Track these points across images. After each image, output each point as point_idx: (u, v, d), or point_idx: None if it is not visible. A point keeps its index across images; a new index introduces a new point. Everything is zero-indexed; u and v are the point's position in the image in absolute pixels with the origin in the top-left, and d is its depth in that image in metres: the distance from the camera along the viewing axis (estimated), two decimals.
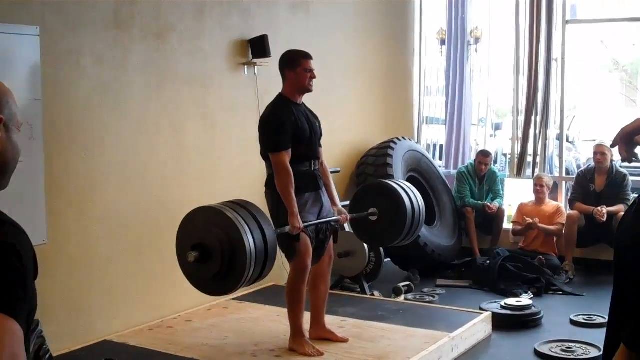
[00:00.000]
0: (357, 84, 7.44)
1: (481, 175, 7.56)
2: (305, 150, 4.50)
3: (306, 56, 4.53)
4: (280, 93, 4.57)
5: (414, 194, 5.16)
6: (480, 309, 5.67)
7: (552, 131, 7.93)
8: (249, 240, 3.91)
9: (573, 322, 5.67)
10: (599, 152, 7.23)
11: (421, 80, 8.55)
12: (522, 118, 7.91)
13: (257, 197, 6.13)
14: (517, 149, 7.96)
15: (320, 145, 4.67)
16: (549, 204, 7.37)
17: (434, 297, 6.26)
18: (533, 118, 7.81)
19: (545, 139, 7.81)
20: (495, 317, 5.49)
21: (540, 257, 6.96)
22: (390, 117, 7.93)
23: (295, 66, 4.48)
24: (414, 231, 5.19)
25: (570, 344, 5.03)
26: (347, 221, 4.88)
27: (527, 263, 6.74)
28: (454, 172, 8.06)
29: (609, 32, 19.92)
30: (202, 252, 3.95)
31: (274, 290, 5.95)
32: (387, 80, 7.92)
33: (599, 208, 6.95)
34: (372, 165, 6.98)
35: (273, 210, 4.41)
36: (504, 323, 5.51)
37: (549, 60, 7.77)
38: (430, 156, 8.04)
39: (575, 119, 11.84)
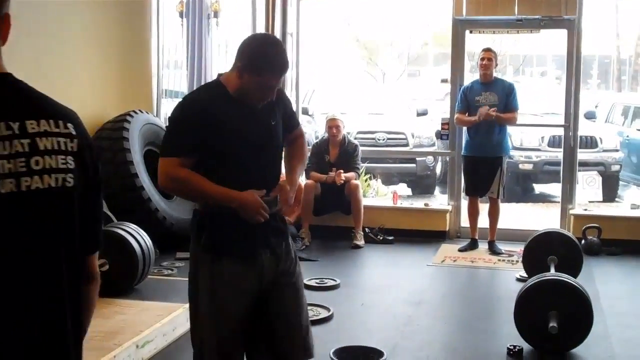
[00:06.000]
0: (91, 57, 7.16)
1: None
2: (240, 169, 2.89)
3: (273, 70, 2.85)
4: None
5: (140, 235, 5.49)
6: None
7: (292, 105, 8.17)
8: None
9: (307, 286, 5.87)
10: (333, 125, 7.60)
11: (159, 53, 8.42)
12: None
13: None
14: None
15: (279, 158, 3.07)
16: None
17: (172, 270, 6.26)
18: None
19: None
20: None
21: None
22: (127, 90, 7.74)
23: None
24: (148, 271, 5.55)
25: None
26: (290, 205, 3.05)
27: None
28: None
29: (353, 10, 21.00)
30: None
31: None
32: (123, 53, 7.71)
33: (333, 172, 7.34)
34: (107, 139, 6.78)
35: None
36: None
37: (284, 35, 7.97)
38: None
39: (315, 93, 12.29)
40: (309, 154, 2.70)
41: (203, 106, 2.83)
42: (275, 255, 2.94)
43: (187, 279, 5.75)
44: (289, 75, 8.02)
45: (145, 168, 6.88)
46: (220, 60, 8.77)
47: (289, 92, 8.09)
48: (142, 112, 7.31)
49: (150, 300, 5.15)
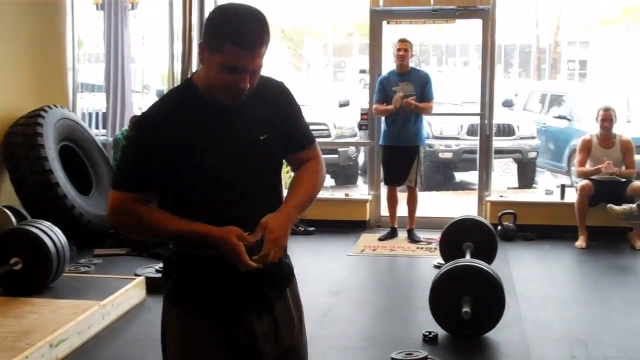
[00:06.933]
0: (3, 50, 7.00)
1: None
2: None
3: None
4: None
5: (54, 232, 5.37)
6: (135, 274, 5.70)
7: None
8: None
9: None
10: None
11: (75, 46, 8.27)
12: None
13: None
14: None
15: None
16: None
17: (89, 267, 6.17)
18: None
19: None
20: (150, 281, 5.53)
21: None
22: (41, 84, 7.57)
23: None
24: (62, 268, 5.44)
25: None
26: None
27: None
28: None
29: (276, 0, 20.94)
30: None
31: None
32: (37, 46, 7.55)
33: None
34: (20, 135, 6.63)
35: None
36: (159, 286, 5.53)
37: (202, 27, 7.89)
38: (85, 124, 7.83)
39: None
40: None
41: (164, 124, 2.12)
42: (272, 316, 2.26)
43: (104, 276, 5.78)
44: None
45: (60, 164, 6.76)
46: (139, 53, 8.67)
47: None
48: (56, 106, 7.17)
49: (65, 299, 5.08)
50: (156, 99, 2.40)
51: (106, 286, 5.33)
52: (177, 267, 2.23)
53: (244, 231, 2.09)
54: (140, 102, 9.15)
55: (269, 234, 2.10)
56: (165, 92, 2.31)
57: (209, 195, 2.15)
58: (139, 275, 5.61)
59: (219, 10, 2.11)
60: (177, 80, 7.85)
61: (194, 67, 7.77)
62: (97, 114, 8.80)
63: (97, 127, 8.61)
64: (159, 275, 5.56)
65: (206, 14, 7.79)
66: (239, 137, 2.16)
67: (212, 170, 2.13)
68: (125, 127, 7.83)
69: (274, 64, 23.00)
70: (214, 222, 2.10)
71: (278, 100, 2.26)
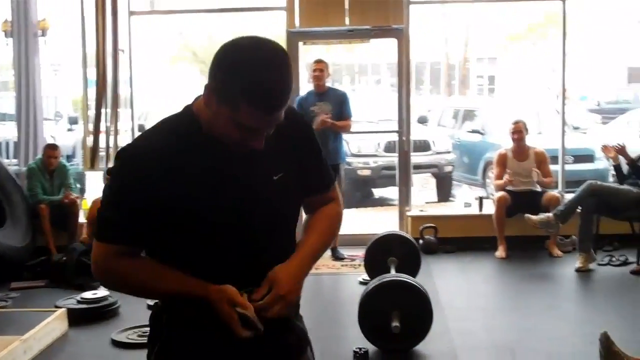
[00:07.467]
0: None
1: (51, 169, 7.35)
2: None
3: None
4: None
5: None
6: (56, 306, 5.54)
7: (127, 123, 8.01)
8: None
9: (149, 307, 5.79)
10: None
11: None
12: (93, 112, 7.85)
13: None
14: (90, 142, 7.89)
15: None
16: None
17: (6, 301, 5.97)
18: (104, 111, 7.79)
19: (117, 131, 7.84)
20: (72, 312, 5.39)
21: None
22: None
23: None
24: None
25: (146, 329, 5.11)
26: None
27: None
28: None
29: (187, 23, 20.84)
30: None
31: None
32: None
33: None
34: None
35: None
36: (81, 318, 5.43)
37: (115, 51, 7.81)
38: None
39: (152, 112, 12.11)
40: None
41: (158, 157, 1.76)
42: None
43: (23, 309, 5.59)
44: (124, 94, 7.85)
45: None
46: (50, 80, 8.49)
47: (124, 112, 7.91)
48: None
49: None
50: (68, 126, 2.11)
51: (26, 320, 5.17)
52: (167, 328, 1.88)
53: (252, 283, 1.81)
54: (53, 130, 8.95)
55: (276, 286, 1.81)
56: (157, 122, 1.89)
57: (210, 244, 1.81)
58: (60, 307, 5.45)
59: (235, 53, 1.70)
60: (91, 107, 7.71)
61: (109, 92, 7.67)
62: (7, 143, 8.57)
63: (8, 157, 8.37)
64: (81, 305, 5.50)
65: (120, 39, 7.71)
66: (248, 177, 1.82)
67: (216, 215, 1.78)
68: (39, 155, 7.63)
69: (187, 89, 22.90)
70: (216, 273, 1.79)
71: (297, 134, 1.91)
